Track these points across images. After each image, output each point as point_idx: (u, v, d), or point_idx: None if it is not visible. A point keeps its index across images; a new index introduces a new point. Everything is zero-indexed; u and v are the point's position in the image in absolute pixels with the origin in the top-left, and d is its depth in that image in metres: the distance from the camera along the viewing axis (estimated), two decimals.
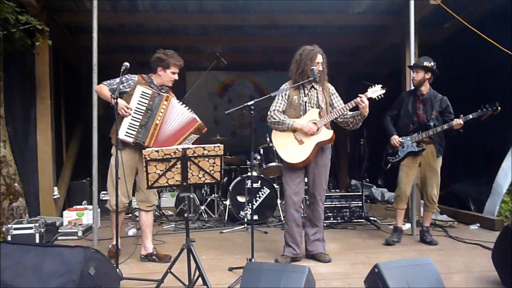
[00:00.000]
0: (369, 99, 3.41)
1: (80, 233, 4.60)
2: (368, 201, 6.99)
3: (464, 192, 5.59)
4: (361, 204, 5.40)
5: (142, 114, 3.44)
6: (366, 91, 3.45)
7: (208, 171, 2.72)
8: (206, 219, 5.55)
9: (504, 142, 5.10)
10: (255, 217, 5.22)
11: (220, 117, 8.68)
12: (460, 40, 5.77)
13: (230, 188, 5.39)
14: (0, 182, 4.32)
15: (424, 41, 5.89)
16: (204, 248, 4.08)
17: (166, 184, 2.70)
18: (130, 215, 5.53)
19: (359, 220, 5.33)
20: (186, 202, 2.79)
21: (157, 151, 2.61)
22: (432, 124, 4.09)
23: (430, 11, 4.94)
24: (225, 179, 6.07)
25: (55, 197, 5.12)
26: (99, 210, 4.47)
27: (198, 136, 3.60)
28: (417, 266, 2.56)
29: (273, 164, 5.42)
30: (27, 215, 4.66)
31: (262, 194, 5.33)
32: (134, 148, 3.51)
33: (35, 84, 4.98)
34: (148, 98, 3.46)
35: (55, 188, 5.20)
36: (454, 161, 5.55)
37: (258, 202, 5.29)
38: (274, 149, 4.93)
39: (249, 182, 5.13)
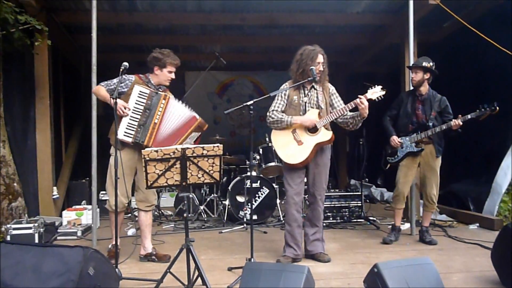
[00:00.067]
0: (369, 100, 3.40)
1: (79, 233, 4.60)
2: (368, 201, 6.98)
3: (464, 191, 5.59)
4: (360, 204, 5.40)
5: (140, 113, 3.43)
6: (366, 91, 3.43)
7: (207, 171, 2.72)
8: (206, 219, 5.54)
9: (504, 142, 5.10)
10: (255, 217, 5.21)
11: (219, 117, 8.67)
12: (459, 40, 5.77)
13: (229, 188, 5.39)
14: None
15: (423, 40, 5.91)
16: (204, 248, 4.08)
17: (165, 184, 2.70)
18: (130, 215, 5.54)
19: (358, 220, 5.32)
20: (185, 202, 2.79)
21: (156, 151, 2.60)
22: (431, 124, 4.09)
23: (429, 10, 4.95)
24: (225, 179, 6.06)
25: (54, 197, 5.12)
26: (98, 210, 4.46)
27: (200, 134, 3.59)
28: (416, 266, 2.56)
29: (273, 164, 5.41)
30: (26, 215, 4.66)
31: (262, 194, 5.32)
32: (133, 148, 3.51)
33: (34, 84, 4.97)
34: (146, 97, 3.45)
35: (54, 188, 5.20)
36: (454, 161, 5.55)
37: (257, 202, 5.29)
38: (273, 149, 4.95)
39: (248, 182, 5.13)
